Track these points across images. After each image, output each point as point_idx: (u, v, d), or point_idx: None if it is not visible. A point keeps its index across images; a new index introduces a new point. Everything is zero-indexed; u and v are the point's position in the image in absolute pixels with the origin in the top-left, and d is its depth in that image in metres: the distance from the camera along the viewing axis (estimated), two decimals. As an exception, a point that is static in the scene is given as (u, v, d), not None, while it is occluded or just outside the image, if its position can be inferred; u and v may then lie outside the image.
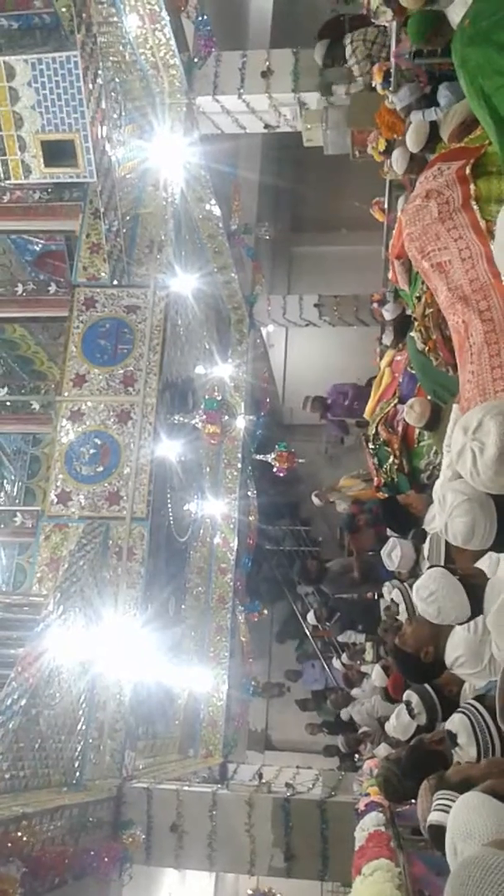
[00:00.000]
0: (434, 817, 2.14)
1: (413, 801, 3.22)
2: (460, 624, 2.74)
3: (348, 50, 6.33)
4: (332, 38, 6.30)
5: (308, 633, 13.09)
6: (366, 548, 8.99)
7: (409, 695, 3.51)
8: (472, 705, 2.37)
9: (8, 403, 8.90)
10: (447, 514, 2.53)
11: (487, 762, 2.22)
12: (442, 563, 2.87)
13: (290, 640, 14.17)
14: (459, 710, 2.45)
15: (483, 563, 2.82)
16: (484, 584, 2.63)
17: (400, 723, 3.68)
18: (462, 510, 2.47)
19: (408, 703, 3.51)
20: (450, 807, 1.98)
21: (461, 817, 1.79)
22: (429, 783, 2.39)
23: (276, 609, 14.05)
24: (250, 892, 10.82)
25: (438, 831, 2.03)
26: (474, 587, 2.58)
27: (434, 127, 4.67)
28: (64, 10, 6.94)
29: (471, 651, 2.83)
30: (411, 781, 3.06)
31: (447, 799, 2.12)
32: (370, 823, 4.35)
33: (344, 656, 10.42)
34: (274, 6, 13.44)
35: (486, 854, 1.43)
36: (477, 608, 2.56)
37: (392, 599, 5.07)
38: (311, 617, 11.09)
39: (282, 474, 9.89)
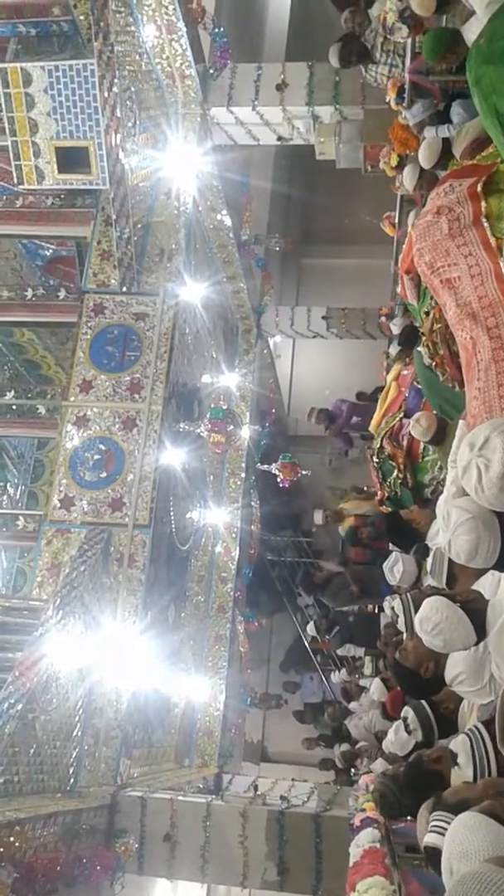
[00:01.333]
0: (429, 839, 2.12)
1: (409, 818, 3.21)
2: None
3: (374, 20, 6.11)
4: (345, 42, 6.26)
5: (307, 646, 13.04)
6: (360, 561, 8.98)
7: (406, 710, 3.51)
8: (477, 728, 2.37)
9: (14, 407, 8.93)
10: (451, 532, 2.53)
11: (484, 783, 2.21)
12: (444, 581, 2.86)
13: (294, 668, 14.06)
14: (464, 731, 2.44)
15: (485, 582, 2.81)
16: (484, 607, 2.61)
17: (398, 738, 3.67)
18: (466, 528, 2.47)
19: (404, 719, 3.51)
20: (445, 829, 1.97)
21: (458, 837, 1.77)
22: (427, 804, 2.37)
23: (275, 622, 14.00)
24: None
25: (434, 853, 2.02)
26: (475, 612, 2.56)
27: (447, 144, 4.69)
28: (82, 18, 7.02)
29: (471, 669, 2.81)
30: (408, 798, 3.04)
31: (442, 820, 2.11)
32: (365, 840, 4.32)
33: (343, 671, 10.40)
34: (290, 20, 13.54)
35: (485, 870, 1.41)
36: (482, 634, 2.54)
37: (392, 608, 5.05)
38: (310, 628, 11.06)
39: (286, 485, 9.88)
